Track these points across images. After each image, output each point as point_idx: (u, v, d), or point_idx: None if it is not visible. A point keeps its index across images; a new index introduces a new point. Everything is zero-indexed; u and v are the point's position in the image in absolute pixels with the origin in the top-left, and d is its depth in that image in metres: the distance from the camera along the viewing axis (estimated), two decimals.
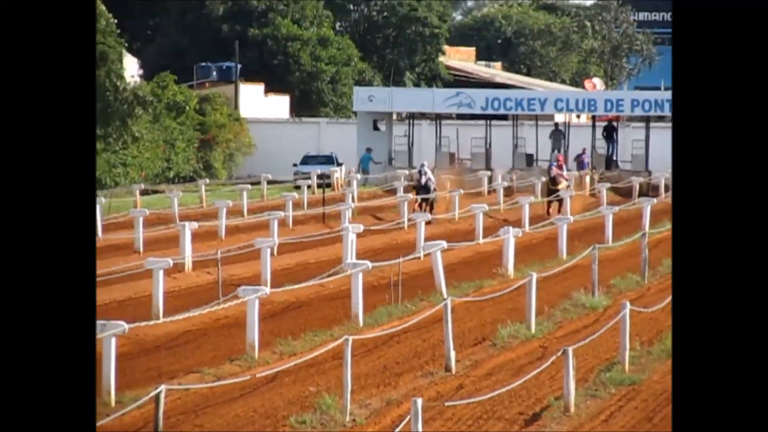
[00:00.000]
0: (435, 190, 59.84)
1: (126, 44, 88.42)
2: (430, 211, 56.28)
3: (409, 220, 51.06)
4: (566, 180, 58.60)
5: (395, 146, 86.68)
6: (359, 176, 76.07)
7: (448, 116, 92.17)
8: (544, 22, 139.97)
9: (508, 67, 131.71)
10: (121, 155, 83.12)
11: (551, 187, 58.30)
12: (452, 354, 26.00)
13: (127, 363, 23.97)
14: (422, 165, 63.73)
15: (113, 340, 21.79)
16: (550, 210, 57.20)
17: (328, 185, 70.21)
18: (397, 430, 19.05)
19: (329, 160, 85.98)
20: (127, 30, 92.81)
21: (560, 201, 57.38)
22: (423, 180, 59.79)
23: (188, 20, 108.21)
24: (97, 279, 36.72)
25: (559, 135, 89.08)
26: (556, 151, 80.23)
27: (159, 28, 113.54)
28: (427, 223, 48.49)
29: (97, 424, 17.28)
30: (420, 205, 58.40)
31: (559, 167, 59.56)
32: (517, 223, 51.94)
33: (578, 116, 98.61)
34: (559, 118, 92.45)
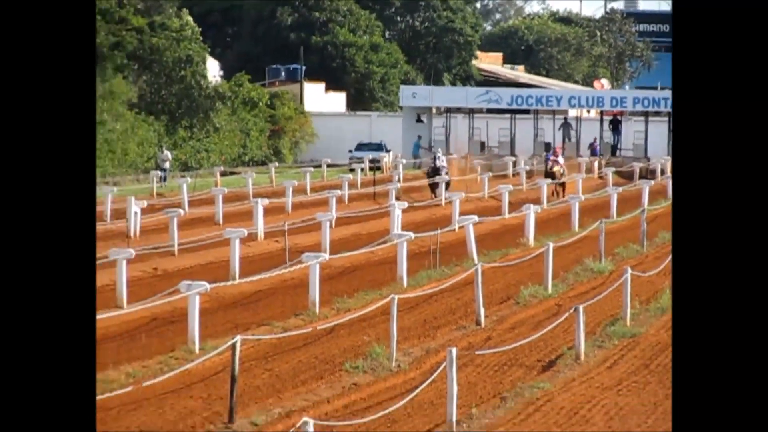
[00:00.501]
0: (448, 173, 57.62)
1: (209, 49, 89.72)
2: (446, 189, 53.82)
3: (446, 198, 49.77)
4: (561, 167, 56.85)
5: (435, 136, 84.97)
6: (404, 161, 74.39)
7: (479, 111, 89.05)
8: (560, 32, 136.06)
9: (530, 70, 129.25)
10: (204, 142, 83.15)
11: (547, 173, 56.41)
12: (482, 311, 26.00)
13: (208, 317, 24.15)
14: (436, 152, 62.53)
15: (197, 298, 21.87)
16: (554, 192, 55.55)
17: (378, 168, 69.84)
18: (435, 374, 19.18)
19: (379, 147, 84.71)
20: (210, 37, 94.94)
21: (563, 185, 56.30)
22: (437, 164, 57.61)
23: (260, 29, 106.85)
24: (184, 246, 35.99)
25: (567, 127, 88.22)
26: (552, 145, 77.29)
27: (236, 36, 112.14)
28: (436, 205, 48.78)
29: (182, 368, 17.12)
30: (432, 186, 56.80)
31: (555, 156, 57.92)
32: (537, 201, 50.75)
33: (588, 111, 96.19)
34: (573, 112, 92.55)
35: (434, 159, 59.08)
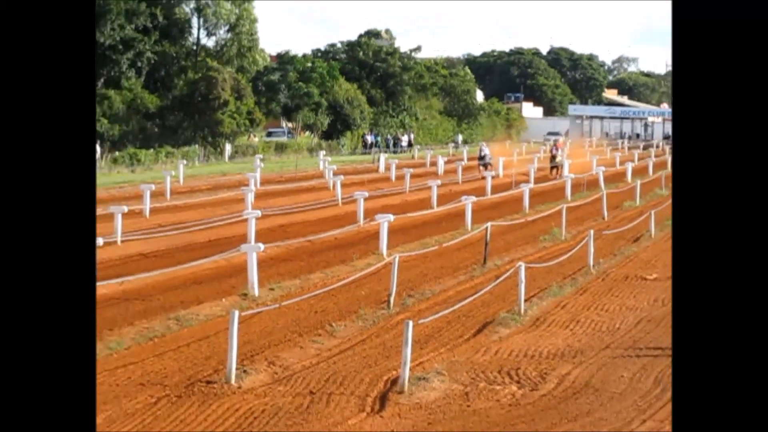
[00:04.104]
0: (491, 158, 57.63)
1: (479, 85, 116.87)
2: (486, 170, 53.48)
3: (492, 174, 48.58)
4: (560, 156, 56.18)
5: (584, 129, 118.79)
6: (569, 140, 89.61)
7: (605, 117, 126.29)
8: (647, 81, 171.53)
9: (631, 98, 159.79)
10: (472, 132, 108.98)
11: (551, 159, 56.53)
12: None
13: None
14: (482, 144, 65.42)
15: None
16: (553, 173, 54.99)
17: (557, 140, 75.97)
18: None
19: (557, 133, 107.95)
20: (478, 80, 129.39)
21: (559, 168, 55.13)
22: (482, 153, 58.43)
23: (507, 77, 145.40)
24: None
25: (646, 127, 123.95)
26: (557, 138, 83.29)
27: (490, 81, 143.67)
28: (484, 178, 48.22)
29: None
30: (480, 168, 56.28)
31: (557, 149, 57.86)
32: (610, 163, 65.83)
33: (657, 119, 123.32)
34: (654, 119, 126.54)
35: (480, 150, 60.12)
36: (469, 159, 64.98)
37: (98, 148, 57.04)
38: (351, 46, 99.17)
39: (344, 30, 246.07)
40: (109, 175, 54.13)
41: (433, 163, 63.37)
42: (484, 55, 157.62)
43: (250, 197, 36.34)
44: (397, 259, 20.91)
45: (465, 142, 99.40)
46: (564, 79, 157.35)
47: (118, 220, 28.53)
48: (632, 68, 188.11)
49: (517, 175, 50.46)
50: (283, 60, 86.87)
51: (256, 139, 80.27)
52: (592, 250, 25.66)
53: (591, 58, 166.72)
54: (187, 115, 71.13)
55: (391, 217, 27.82)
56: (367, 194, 34.65)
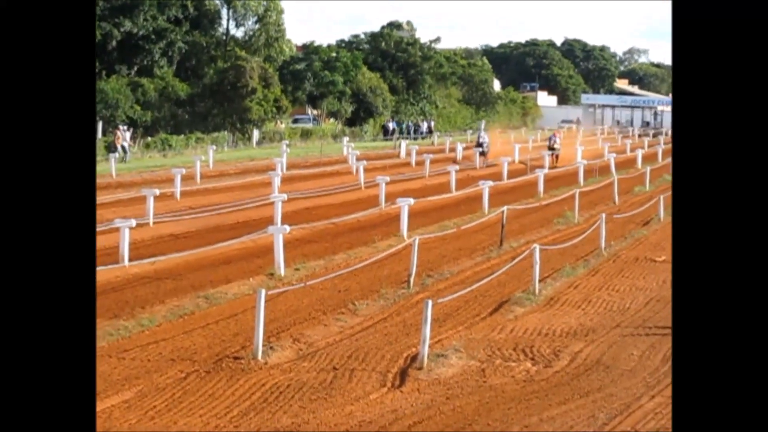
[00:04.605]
0: (488, 145, 55.07)
1: (496, 75, 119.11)
2: (485, 158, 53.01)
3: (488, 163, 51.82)
4: (558, 145, 54.70)
5: (596, 117, 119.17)
6: (582, 128, 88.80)
7: (617, 106, 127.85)
8: (658, 71, 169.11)
9: (641, 87, 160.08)
10: (490, 117, 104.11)
11: (549, 147, 54.44)
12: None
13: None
14: (480, 130, 65.03)
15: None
16: (551, 161, 52.43)
17: (570, 127, 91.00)
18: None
19: (570, 121, 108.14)
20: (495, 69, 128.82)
21: (557, 156, 53.50)
22: (480, 140, 55.89)
23: (523, 66, 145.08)
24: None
25: (656, 115, 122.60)
26: (557, 128, 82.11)
27: (506, 70, 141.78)
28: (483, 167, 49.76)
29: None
30: (480, 155, 54.05)
31: (555, 137, 56.17)
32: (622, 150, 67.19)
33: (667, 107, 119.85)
34: (663, 108, 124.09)
35: (479, 135, 58.22)
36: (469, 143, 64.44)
37: (130, 134, 57.27)
38: (374, 37, 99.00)
39: (367, 23, 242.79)
40: (142, 160, 54.20)
41: (452, 149, 63.03)
42: (501, 46, 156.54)
43: (277, 181, 36.48)
44: (417, 241, 20.95)
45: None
46: (577, 69, 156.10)
47: (150, 203, 28.54)
48: (643, 59, 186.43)
49: (531, 161, 50.81)
50: (309, 50, 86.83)
51: (283, 126, 79.92)
52: (603, 233, 25.71)
53: (603, 49, 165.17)
54: (216, 103, 71.01)
55: (412, 200, 27.91)
56: (388, 179, 34.67)
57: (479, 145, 54.99)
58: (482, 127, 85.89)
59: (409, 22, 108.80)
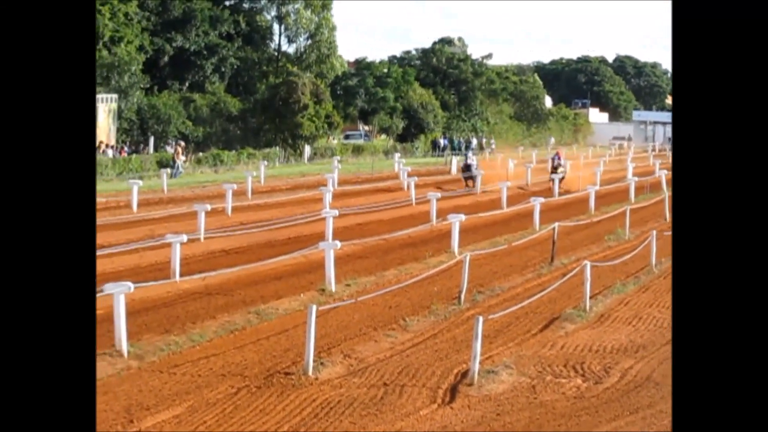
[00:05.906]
0: (477, 168, 49.43)
1: (546, 90, 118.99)
2: (473, 184, 48.02)
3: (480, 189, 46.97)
4: (562, 167, 49.68)
5: (648, 134, 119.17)
6: (633, 144, 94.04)
7: (665, 123, 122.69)
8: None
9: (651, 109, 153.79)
10: (541, 134, 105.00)
11: (551, 171, 49.37)
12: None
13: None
14: (468, 154, 59.38)
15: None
16: (551, 185, 46.18)
17: (623, 145, 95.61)
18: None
19: (623, 138, 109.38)
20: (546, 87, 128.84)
21: (560, 179, 47.04)
22: (468, 162, 51.18)
23: (573, 84, 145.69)
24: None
25: (655, 130, 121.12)
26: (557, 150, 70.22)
27: (557, 88, 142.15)
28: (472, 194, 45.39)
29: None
30: (466, 180, 49.68)
31: (558, 158, 51.19)
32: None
33: None
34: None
35: (466, 158, 53.94)
36: (537, 162, 63.03)
37: (182, 149, 57.71)
38: (425, 53, 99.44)
39: (418, 40, 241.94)
40: (193, 175, 54.53)
41: (503, 166, 63.64)
42: (552, 62, 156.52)
43: (328, 197, 36.54)
44: (468, 257, 20.96)
45: (533, 145, 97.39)
46: (628, 86, 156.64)
47: (202, 218, 28.60)
48: None
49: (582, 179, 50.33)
50: (361, 66, 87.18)
51: (335, 142, 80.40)
52: (654, 249, 25.61)
53: (655, 66, 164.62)
54: (268, 118, 71.42)
55: (463, 216, 27.86)
56: (439, 195, 34.56)
57: (466, 168, 50.80)
58: (551, 142, 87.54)
59: (460, 38, 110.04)
